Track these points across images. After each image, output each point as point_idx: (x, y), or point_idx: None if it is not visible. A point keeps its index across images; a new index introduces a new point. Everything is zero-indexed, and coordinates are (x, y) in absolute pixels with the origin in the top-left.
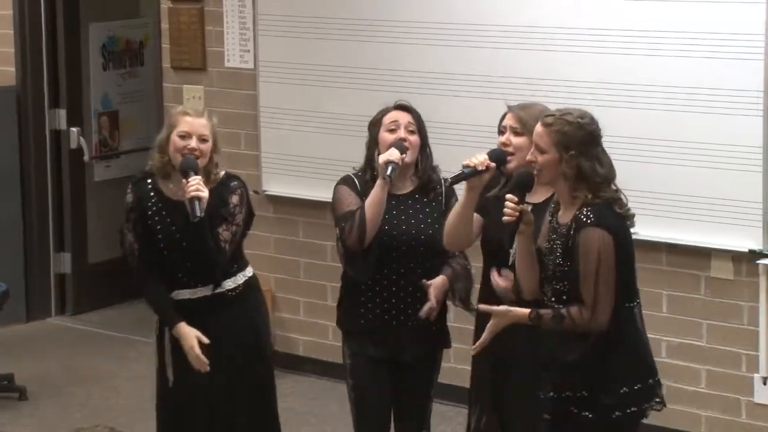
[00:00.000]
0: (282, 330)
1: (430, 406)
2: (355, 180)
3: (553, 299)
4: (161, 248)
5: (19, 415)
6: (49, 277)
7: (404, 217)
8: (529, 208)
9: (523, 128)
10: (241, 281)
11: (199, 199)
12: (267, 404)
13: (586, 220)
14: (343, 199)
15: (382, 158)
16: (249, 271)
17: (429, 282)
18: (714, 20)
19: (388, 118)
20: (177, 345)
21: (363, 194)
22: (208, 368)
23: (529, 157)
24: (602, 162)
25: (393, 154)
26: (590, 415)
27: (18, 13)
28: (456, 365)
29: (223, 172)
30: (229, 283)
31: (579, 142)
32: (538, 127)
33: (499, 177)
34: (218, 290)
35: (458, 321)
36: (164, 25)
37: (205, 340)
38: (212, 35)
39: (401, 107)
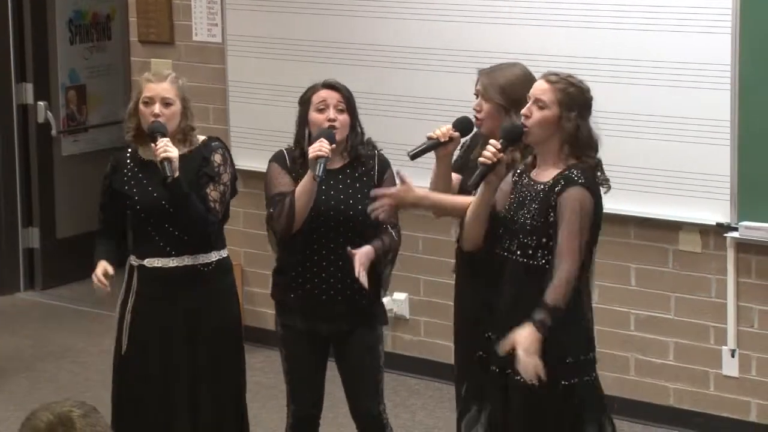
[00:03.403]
0: (252, 304)
1: (380, 381)
2: (286, 156)
3: (518, 252)
4: (138, 210)
5: None
6: (18, 252)
7: (333, 192)
8: None
9: (485, 93)
10: (214, 259)
11: (169, 159)
12: (231, 385)
13: (577, 179)
14: (273, 179)
15: (311, 153)
16: (224, 252)
17: (354, 251)
18: None
19: (317, 98)
20: (135, 315)
21: (292, 171)
22: (107, 289)
23: (524, 111)
24: (593, 130)
25: (323, 148)
26: (536, 384)
27: None
28: (425, 339)
29: (202, 137)
30: (202, 258)
31: (581, 105)
32: (542, 84)
33: (478, 137)
34: (190, 263)
35: (427, 294)
36: None
37: (111, 272)
38: (180, 9)
39: (329, 86)
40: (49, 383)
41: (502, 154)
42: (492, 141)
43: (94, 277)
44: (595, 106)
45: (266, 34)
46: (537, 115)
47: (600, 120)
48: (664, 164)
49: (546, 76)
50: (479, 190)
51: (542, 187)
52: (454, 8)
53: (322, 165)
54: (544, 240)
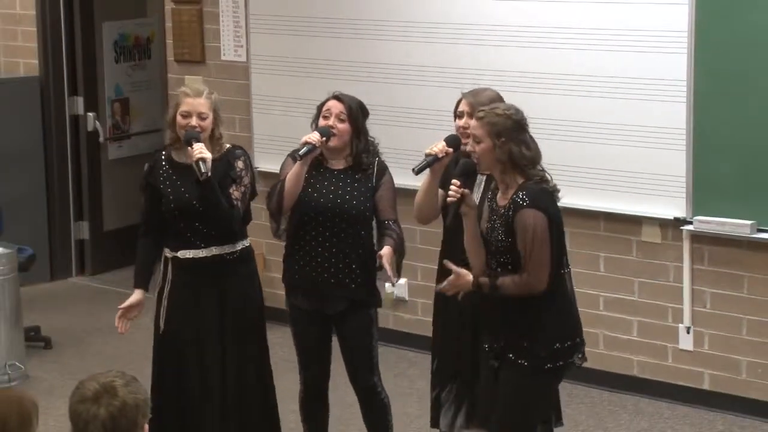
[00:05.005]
0: (272, 288)
1: (374, 356)
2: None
3: (498, 270)
4: (172, 209)
5: (45, 361)
6: (70, 243)
7: (333, 188)
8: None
9: (473, 112)
10: (239, 248)
11: (203, 159)
12: (253, 352)
13: (522, 203)
14: (282, 168)
15: (302, 139)
16: (247, 242)
17: (381, 253)
18: (646, 18)
19: (325, 106)
20: (171, 299)
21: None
22: (122, 331)
23: (468, 147)
24: (529, 146)
25: (313, 136)
26: (525, 363)
27: (40, 13)
28: (422, 317)
29: (228, 144)
30: (228, 248)
31: (508, 130)
32: (473, 122)
33: (459, 156)
34: (218, 252)
35: (425, 279)
36: (168, 24)
37: (141, 302)
38: (210, 32)
39: (336, 97)
40: (97, 356)
41: (463, 189)
42: (453, 180)
43: (119, 311)
44: (572, 116)
45: (285, 54)
46: (477, 149)
47: (576, 129)
48: (630, 166)
49: (476, 114)
50: (464, 224)
51: (503, 210)
52: (448, 32)
53: (305, 149)
54: (516, 256)
